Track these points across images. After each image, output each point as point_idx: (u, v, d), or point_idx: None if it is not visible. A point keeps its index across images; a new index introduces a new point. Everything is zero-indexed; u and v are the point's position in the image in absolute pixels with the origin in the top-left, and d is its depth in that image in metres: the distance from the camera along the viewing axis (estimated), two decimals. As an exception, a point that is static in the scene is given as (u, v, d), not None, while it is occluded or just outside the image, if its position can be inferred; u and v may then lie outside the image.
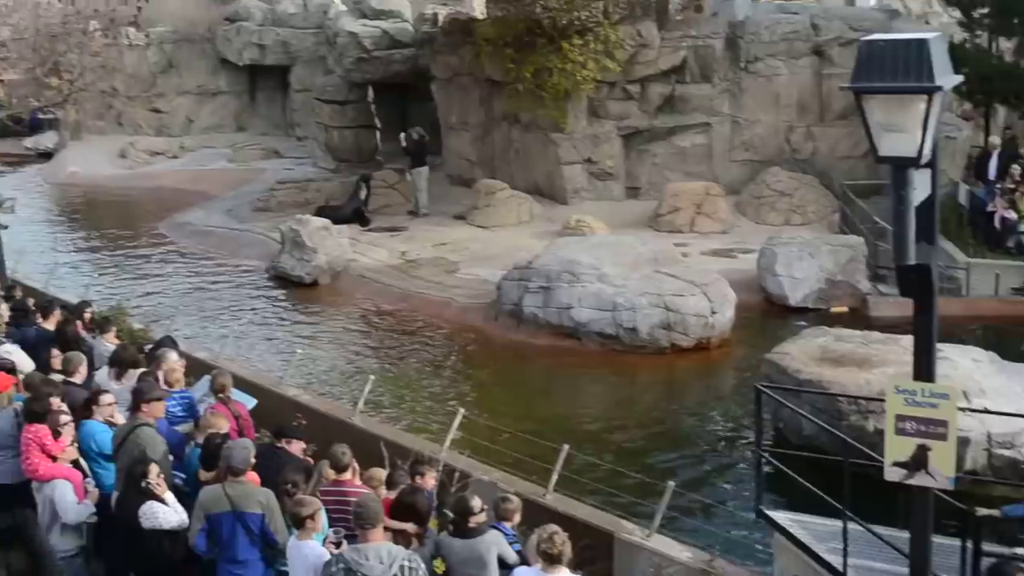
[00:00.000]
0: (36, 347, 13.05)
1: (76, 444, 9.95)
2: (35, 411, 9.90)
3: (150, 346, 13.71)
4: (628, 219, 26.31)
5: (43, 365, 12.29)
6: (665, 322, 18.87)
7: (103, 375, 11.81)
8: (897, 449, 6.74)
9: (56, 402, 10.17)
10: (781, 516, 10.55)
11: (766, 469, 11.27)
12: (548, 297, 19.80)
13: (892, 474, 6.79)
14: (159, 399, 10.22)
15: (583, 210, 26.46)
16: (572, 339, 19.50)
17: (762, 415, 11.09)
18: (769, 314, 20.97)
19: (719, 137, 27.58)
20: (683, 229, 25.45)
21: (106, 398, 10.29)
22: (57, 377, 11.45)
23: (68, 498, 9.44)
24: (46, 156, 44.42)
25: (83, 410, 10.50)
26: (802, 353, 15.19)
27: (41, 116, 45.05)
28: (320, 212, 27.28)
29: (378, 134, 36.59)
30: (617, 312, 19.06)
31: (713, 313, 19.09)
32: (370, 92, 36.25)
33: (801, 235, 22.46)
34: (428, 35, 33.36)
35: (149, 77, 44.16)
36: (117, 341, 13.37)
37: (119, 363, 11.82)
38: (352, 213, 28.19)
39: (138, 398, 10.14)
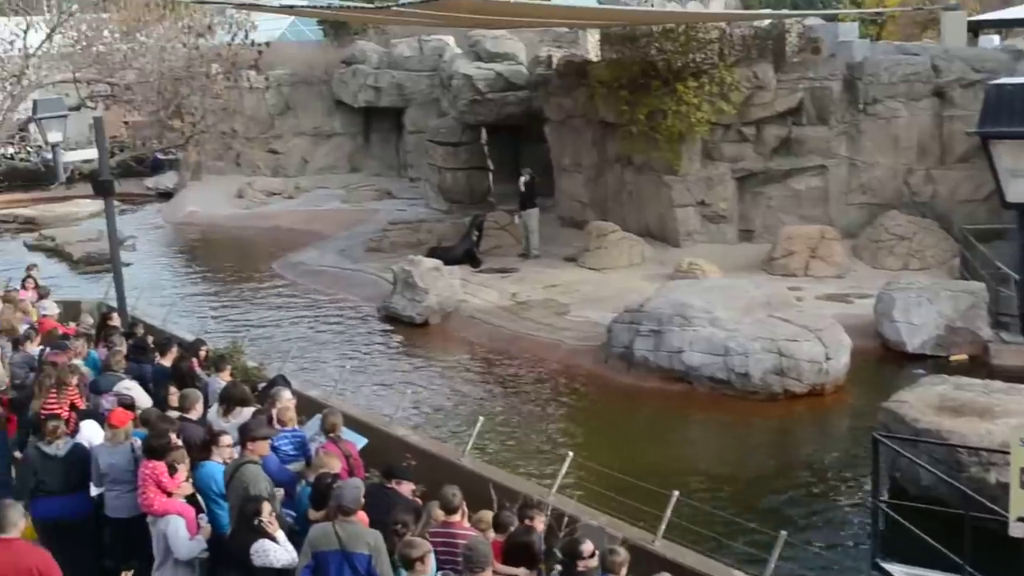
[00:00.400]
0: (154, 383, 13.34)
1: (191, 481, 10.11)
2: (152, 447, 10.10)
3: (263, 384, 13.89)
4: (741, 262, 26.09)
5: (160, 401, 12.54)
6: (778, 367, 18.61)
7: (213, 412, 12.00)
8: (1022, 503, 6.55)
9: (173, 439, 10.38)
10: (898, 570, 10.32)
11: (883, 520, 11.01)
12: (659, 340, 19.67)
13: (1017, 529, 6.60)
14: (265, 437, 10.35)
15: (695, 253, 26.28)
16: (683, 383, 19.32)
17: (879, 465, 10.86)
18: (886, 361, 20.56)
19: (836, 180, 27.22)
20: (797, 273, 25.13)
21: (225, 439, 10.42)
22: (173, 414, 11.67)
23: (181, 534, 9.58)
24: (166, 196, 45.64)
25: (202, 451, 10.68)
26: (920, 401, 14.84)
27: (162, 157, 46.52)
28: (432, 253, 27.50)
29: (490, 176, 36.81)
30: (729, 356, 18.86)
31: (828, 359, 18.77)
32: (483, 134, 36.52)
33: (920, 280, 22.00)
34: (542, 77, 33.55)
35: (267, 119, 45.13)
36: (231, 379, 13.56)
37: (227, 400, 11.99)
38: (463, 254, 28.35)
39: (244, 436, 10.30)
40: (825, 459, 16.51)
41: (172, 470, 9.87)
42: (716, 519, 12.88)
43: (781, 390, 18.61)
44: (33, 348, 14.99)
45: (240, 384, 12.81)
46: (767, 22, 29.03)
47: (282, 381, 13.37)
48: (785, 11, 42.80)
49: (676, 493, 11.82)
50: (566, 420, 18.69)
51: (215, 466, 10.34)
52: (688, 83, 26.20)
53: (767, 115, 27.19)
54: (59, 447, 10.90)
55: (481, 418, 15.20)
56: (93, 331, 16.35)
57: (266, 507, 9.11)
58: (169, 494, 9.82)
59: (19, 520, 8.25)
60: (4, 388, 14.12)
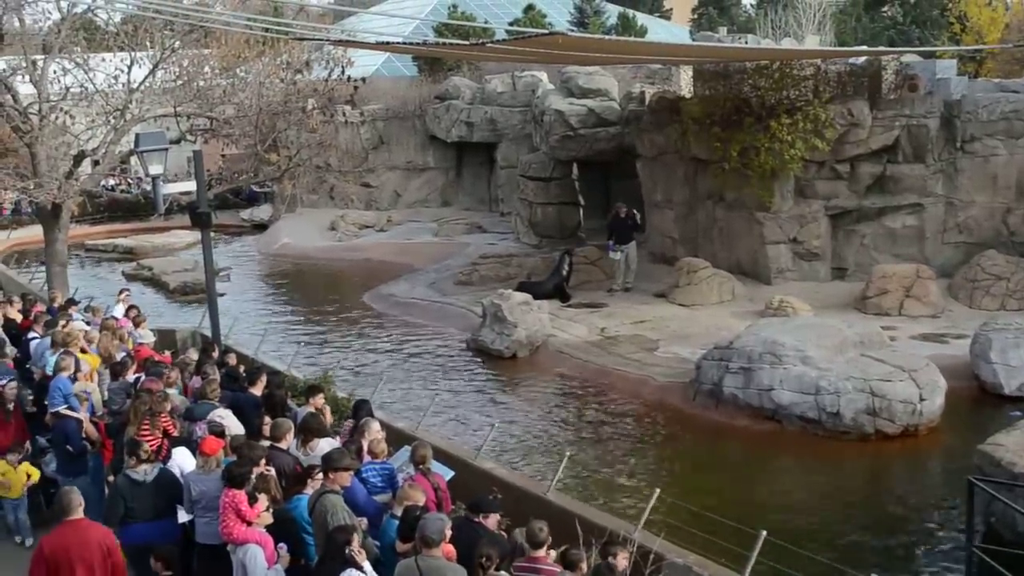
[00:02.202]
0: (246, 412, 13.52)
1: (271, 511, 10.21)
2: (232, 475, 10.24)
3: (350, 420, 13.95)
4: (833, 300, 25.85)
5: (254, 431, 12.71)
6: (870, 407, 18.35)
7: (293, 443, 12.12)
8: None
9: (258, 469, 10.52)
10: (992, 617, 10.08)
11: (977, 567, 10.78)
12: (749, 378, 19.53)
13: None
14: (347, 468, 10.44)
15: (787, 290, 26.08)
16: (772, 422, 19.14)
17: (974, 509, 10.65)
18: (981, 403, 20.15)
19: (932, 218, 26.85)
20: (891, 312, 24.77)
21: (320, 476, 10.53)
22: (265, 443, 11.81)
23: (259, 562, 9.66)
24: (260, 228, 46.44)
25: (297, 483, 10.81)
26: (1017, 445, 14.53)
27: (257, 189, 47.42)
28: (521, 287, 27.58)
29: (581, 211, 36.87)
30: (820, 396, 18.65)
31: (922, 400, 18.47)
32: (574, 169, 36.61)
33: (1017, 321, 21.54)
34: (634, 113, 33.58)
35: (361, 153, 45.77)
36: (318, 409, 13.67)
37: (305, 431, 12.12)
38: (553, 289, 28.38)
39: (327, 466, 10.40)
40: (918, 502, 16.21)
41: (252, 499, 9.98)
42: (804, 560, 12.70)
43: (873, 431, 18.35)
44: (129, 376, 15.29)
45: (319, 415, 12.93)
46: (863, 59, 28.77)
47: (365, 408, 13.51)
48: (882, 48, 42.43)
49: (764, 533, 11.68)
50: (653, 456, 18.59)
51: (307, 499, 10.48)
52: (781, 120, 26.05)
53: (862, 152, 26.91)
54: (147, 473, 11.09)
55: (568, 452, 15.17)
56: (192, 361, 16.62)
57: (356, 537, 9.18)
58: (249, 523, 9.94)
59: (81, 502, 9.55)
60: (101, 414, 14.44)
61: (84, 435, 13.96)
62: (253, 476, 10.32)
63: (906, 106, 26.94)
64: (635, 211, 29.52)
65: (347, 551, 8.97)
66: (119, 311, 20.49)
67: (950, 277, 26.11)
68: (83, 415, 14.16)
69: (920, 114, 26.70)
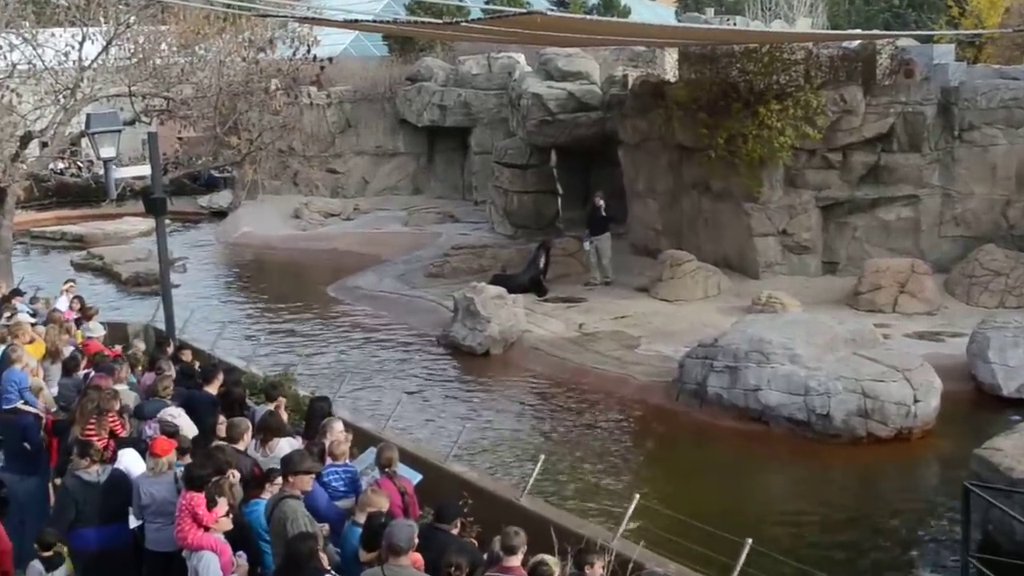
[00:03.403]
0: (200, 411, 13.40)
1: (231, 515, 10.11)
2: (192, 477, 10.14)
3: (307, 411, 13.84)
4: (824, 296, 25.89)
5: (208, 431, 12.58)
6: (862, 409, 18.36)
7: (252, 443, 12.02)
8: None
9: (217, 470, 10.42)
10: (989, 630, 10.07)
11: (973, 577, 10.78)
12: (734, 377, 19.54)
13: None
14: (307, 472, 10.35)
15: (775, 285, 26.10)
16: (759, 423, 19.15)
17: (970, 516, 10.64)
18: (979, 405, 20.18)
19: (928, 211, 26.89)
20: (885, 309, 24.81)
21: (279, 480, 10.44)
22: (221, 443, 11.69)
23: (212, 570, 9.56)
24: (219, 215, 46.21)
25: (255, 488, 10.74)
26: (1016, 449, 14.55)
27: (216, 175, 47.18)
28: (496, 280, 27.53)
29: (559, 200, 36.81)
30: (809, 396, 18.66)
31: (916, 401, 18.49)
32: (553, 156, 36.58)
33: (1016, 319, 21.59)
34: (616, 98, 33.55)
35: (327, 137, 45.54)
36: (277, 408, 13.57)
37: (264, 430, 12.03)
38: (529, 282, 28.35)
39: (286, 469, 10.30)
40: (911, 509, 16.23)
41: (211, 503, 9.88)
42: (793, 571, 12.69)
43: (865, 433, 18.36)
44: (81, 372, 15.16)
45: (277, 413, 12.86)
46: (857, 43, 28.81)
47: (323, 405, 13.44)
48: (876, 31, 42.56)
49: (749, 541, 11.65)
50: (633, 460, 18.58)
51: (265, 504, 10.41)
52: (771, 106, 26.04)
53: (855, 141, 26.93)
54: (99, 474, 10.97)
55: (542, 455, 15.11)
56: (142, 356, 16.48)
57: (319, 545, 9.07)
58: (206, 528, 9.84)
59: None
60: (55, 411, 14.24)
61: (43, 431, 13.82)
62: (216, 478, 10.23)
63: (902, 92, 26.96)
64: (602, 201, 29.44)
65: (309, 560, 8.85)
66: (63, 303, 20.30)
67: (947, 272, 26.13)
68: (40, 409, 13.99)
69: (916, 101, 26.73)
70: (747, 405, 19.31)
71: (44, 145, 27.47)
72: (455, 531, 10.14)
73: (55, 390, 14.95)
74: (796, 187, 27.49)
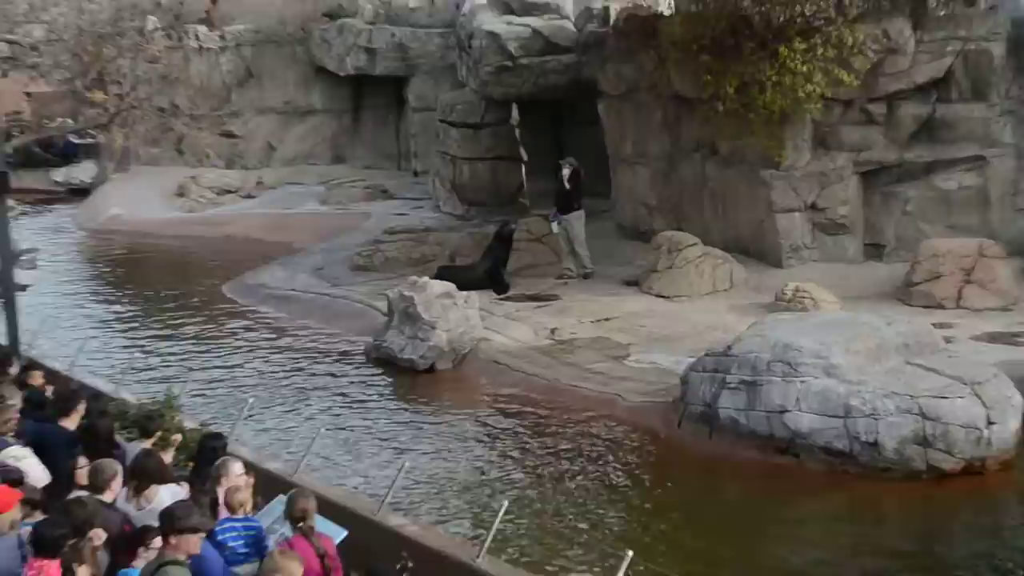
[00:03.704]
0: (54, 451, 13.12)
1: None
2: (46, 539, 9.87)
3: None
4: (868, 288, 26.03)
5: (64, 477, 12.32)
6: (920, 435, 18.25)
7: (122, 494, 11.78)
8: None
9: (81, 531, 10.15)
10: None
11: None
12: (754, 396, 19.41)
13: None
14: (195, 530, 10.12)
15: (804, 275, 26.19)
16: (786, 456, 19.03)
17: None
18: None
19: (998, 177, 26.92)
20: (946, 304, 24.90)
21: (158, 541, 10.19)
22: (82, 493, 11.44)
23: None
24: (81, 193, 45.85)
25: (126, 551, 10.52)
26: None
27: (77, 141, 46.77)
28: (442, 273, 27.50)
29: (523, 168, 36.77)
30: (851, 419, 18.54)
31: (990, 423, 18.39)
32: (514, 112, 36.51)
33: (1117, 315, 21.67)
34: (595, 37, 33.62)
35: (221, 91, 45.45)
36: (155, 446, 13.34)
37: (139, 475, 11.81)
38: (485, 275, 28.44)
39: (167, 526, 10.05)
40: (987, 564, 16.15)
41: (68, 573, 9.62)
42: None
43: (924, 466, 18.26)
44: None
45: (156, 453, 12.66)
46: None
47: (219, 444, 13.23)
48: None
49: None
50: (624, 506, 18.43)
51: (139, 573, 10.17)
52: (794, 44, 26.06)
53: (902, 88, 27.03)
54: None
55: (505, 502, 14.95)
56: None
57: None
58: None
59: None
60: None
61: None
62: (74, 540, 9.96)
63: (961, 26, 27.07)
64: (570, 168, 29.33)
65: None
66: None
67: (1024, 256, 26.27)
68: None
69: (981, 36, 26.81)
70: (771, 432, 19.18)
71: None
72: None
73: None
74: (829, 149, 27.62)
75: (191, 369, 24.97)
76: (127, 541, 10.78)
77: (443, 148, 37.27)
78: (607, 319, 25.89)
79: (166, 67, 28.77)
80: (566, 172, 29.39)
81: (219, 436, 14.02)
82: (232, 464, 12.12)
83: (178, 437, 14.36)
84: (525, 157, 36.89)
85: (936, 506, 17.93)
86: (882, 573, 16.04)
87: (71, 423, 13.87)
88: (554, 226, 29.71)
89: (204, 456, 13.12)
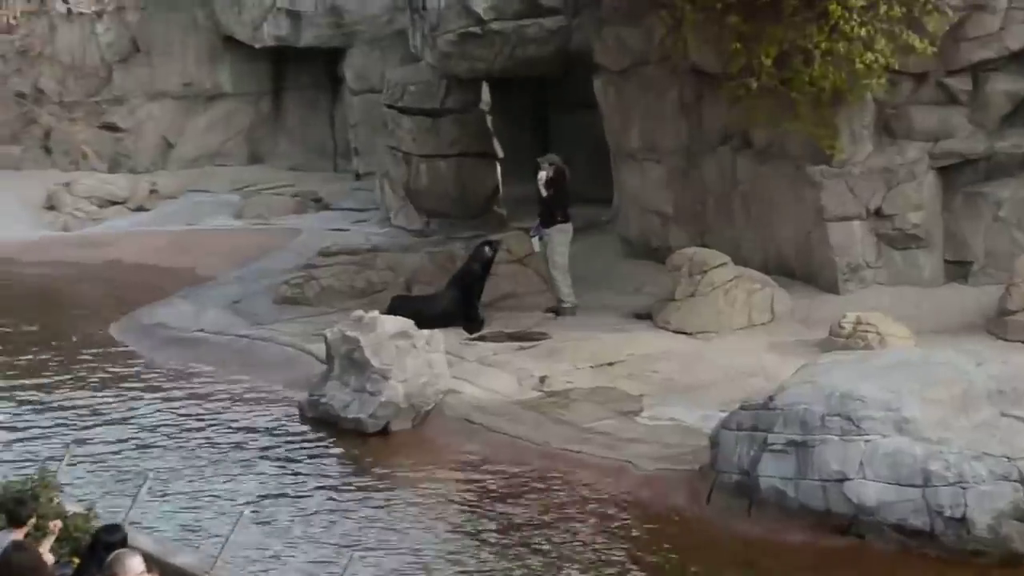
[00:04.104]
0: None
1: None
2: None
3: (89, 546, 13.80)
4: (950, 319, 26.22)
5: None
6: (1021, 507, 18.41)
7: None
8: None
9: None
10: None
11: None
12: (804, 460, 19.50)
13: None
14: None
15: (866, 303, 26.38)
16: (848, 536, 19.16)
17: None
18: None
19: (1117, 174, 27.23)
20: (1052, 338, 25.08)
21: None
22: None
23: None
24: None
25: None
26: None
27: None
28: (397, 306, 27.70)
29: (498, 167, 36.74)
30: (931, 489, 18.66)
31: (1111, 493, 18.60)
32: (485, 94, 36.53)
33: None
34: (589, -7, 33.70)
35: (100, 70, 45.26)
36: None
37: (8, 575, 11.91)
38: (453, 307, 28.56)
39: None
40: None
41: None
42: None
43: (1026, 548, 18.46)
44: None
45: (31, 546, 12.75)
46: None
47: (117, 537, 13.33)
48: None
49: None
50: (639, 605, 18.57)
51: None
52: (849, 1, 26.24)
53: (991, 57, 27.27)
54: None
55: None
56: None
57: None
58: None
59: None
60: None
61: None
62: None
63: (1068, -26, 27.30)
64: (547, 170, 29.33)
65: None
66: None
67: None
68: None
69: (1095, -13, 27.08)
70: (827, 506, 19.27)
71: None
72: None
73: None
74: (896, 137, 27.80)
75: (71, 435, 24.96)
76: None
77: (393, 142, 37.23)
78: (611, 363, 25.97)
79: (25, 39, 28.79)
80: (543, 175, 29.31)
81: (116, 528, 14.06)
82: (129, 559, 12.19)
83: (58, 523, 14.46)
84: (500, 153, 36.79)
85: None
86: None
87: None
88: (535, 242, 29.78)
89: (96, 553, 13.19)
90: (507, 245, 30.59)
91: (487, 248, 29.34)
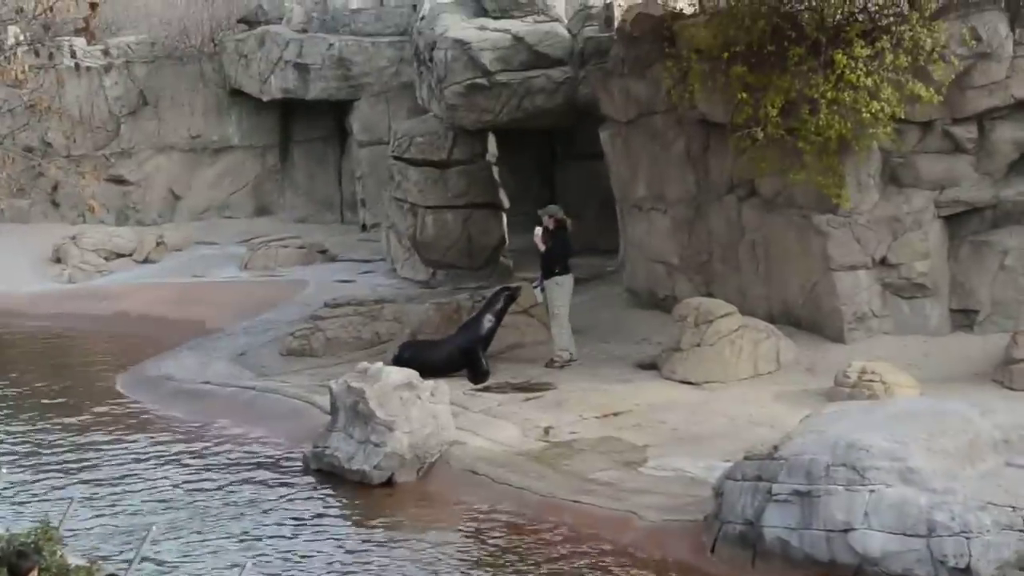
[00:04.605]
0: None
1: None
2: None
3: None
4: (956, 368, 26.15)
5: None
6: (1027, 558, 18.43)
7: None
8: None
9: None
10: None
11: None
12: (809, 511, 19.43)
13: None
14: None
15: (873, 352, 26.38)
16: (855, 587, 19.15)
17: None
18: None
19: (1125, 222, 27.21)
20: (1060, 387, 25.01)
21: None
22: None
23: None
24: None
25: None
26: None
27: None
28: (403, 357, 27.72)
29: (504, 219, 36.76)
30: (936, 539, 18.58)
31: (1119, 542, 18.54)
32: (491, 145, 36.56)
33: None
34: (595, 45, 33.76)
35: (108, 123, 45.39)
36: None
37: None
38: (462, 354, 28.56)
39: None
40: None
41: None
42: None
43: (1034, 600, 18.40)
44: None
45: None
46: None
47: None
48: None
49: None
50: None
51: None
52: (855, 50, 26.28)
53: (999, 105, 27.24)
54: None
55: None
56: None
57: None
58: None
59: None
60: None
61: None
62: None
63: (1074, 21, 27.33)
64: (549, 219, 29.29)
65: None
66: None
67: None
68: None
69: (1097, 36, 27.10)
70: (832, 557, 19.17)
71: None
72: None
73: None
74: (902, 186, 27.80)
75: (77, 491, 24.88)
76: None
77: (399, 194, 37.26)
78: (616, 414, 25.91)
79: (33, 93, 28.83)
80: (538, 230, 29.23)
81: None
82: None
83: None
84: (507, 204, 36.84)
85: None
86: None
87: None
88: (538, 293, 29.76)
89: None
90: (515, 297, 30.55)
91: (507, 291, 29.54)
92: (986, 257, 27.71)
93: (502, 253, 36.28)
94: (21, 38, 27.64)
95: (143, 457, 26.82)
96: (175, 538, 22.14)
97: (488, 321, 28.98)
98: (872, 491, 19.20)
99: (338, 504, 24.11)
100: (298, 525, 23.24)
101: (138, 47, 45.45)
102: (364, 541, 22.57)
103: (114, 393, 31.05)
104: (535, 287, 29.66)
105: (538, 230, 29.35)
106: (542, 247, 29.15)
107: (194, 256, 42.08)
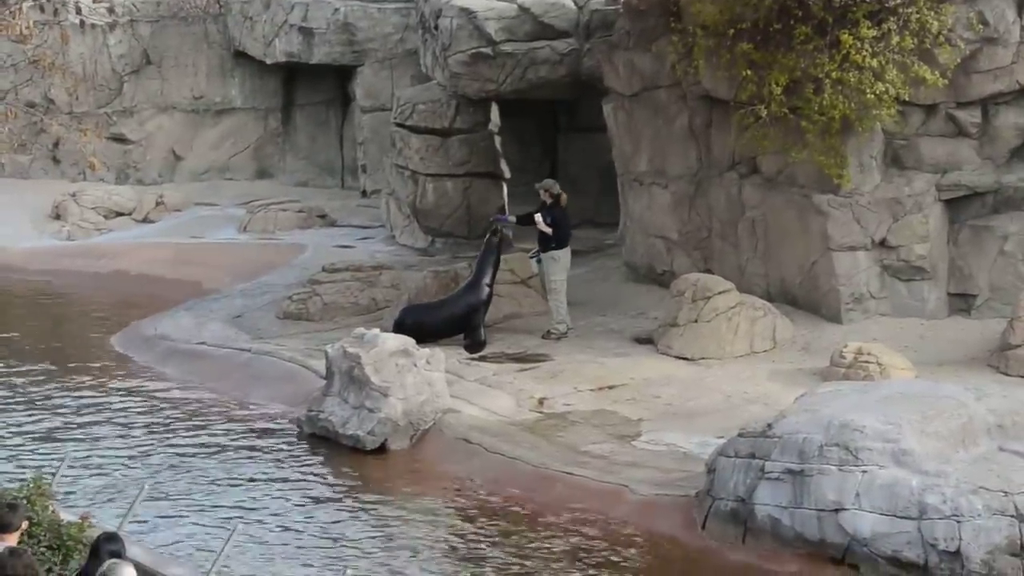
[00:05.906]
0: None
1: None
2: None
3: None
4: (952, 351, 26.16)
5: None
6: (1017, 542, 18.29)
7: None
8: None
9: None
10: None
11: None
12: (801, 489, 19.45)
13: None
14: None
15: (869, 333, 26.42)
16: (842, 567, 19.09)
17: None
18: None
19: (1124, 209, 27.18)
20: (1055, 373, 25.02)
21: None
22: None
23: None
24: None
25: None
26: None
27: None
28: (403, 323, 27.74)
29: (505, 188, 36.71)
30: (927, 521, 18.58)
31: (1109, 530, 18.55)
32: (494, 114, 36.51)
33: None
34: (601, 18, 33.64)
35: (111, 81, 45.30)
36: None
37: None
38: (455, 322, 28.59)
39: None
40: None
41: None
42: None
43: (1022, 583, 18.40)
44: None
45: (25, 554, 12.70)
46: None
47: (113, 546, 13.29)
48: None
49: None
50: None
51: None
52: (861, 31, 26.27)
53: (1002, 90, 27.25)
54: None
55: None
56: None
57: None
58: None
59: None
60: None
61: None
62: None
63: (1078, 8, 27.29)
64: (549, 192, 29.28)
65: None
66: None
67: None
68: None
69: (1103, 22, 27.07)
70: (822, 536, 19.21)
71: None
72: None
73: None
74: (904, 168, 27.78)
75: (68, 444, 24.92)
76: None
77: (400, 161, 37.20)
78: (611, 387, 25.94)
79: (37, 49, 28.76)
80: (539, 217, 29.09)
81: (116, 538, 14.03)
82: (122, 569, 12.21)
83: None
84: (507, 174, 36.73)
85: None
86: None
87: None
88: (534, 264, 29.77)
89: (99, 560, 13.14)
90: (510, 267, 30.49)
91: (494, 236, 29.32)
92: (986, 242, 27.72)
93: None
94: (24, -6, 27.54)
95: (136, 416, 26.82)
96: (165, 498, 22.15)
97: (484, 290, 28.87)
98: (864, 472, 19.21)
99: (330, 469, 24.07)
100: (289, 489, 23.24)
101: (143, 6, 45.37)
102: (355, 500, 22.63)
103: (110, 351, 31.03)
104: (532, 258, 29.64)
105: (538, 216, 29.24)
106: (548, 230, 29.07)
107: (193, 217, 42.03)
